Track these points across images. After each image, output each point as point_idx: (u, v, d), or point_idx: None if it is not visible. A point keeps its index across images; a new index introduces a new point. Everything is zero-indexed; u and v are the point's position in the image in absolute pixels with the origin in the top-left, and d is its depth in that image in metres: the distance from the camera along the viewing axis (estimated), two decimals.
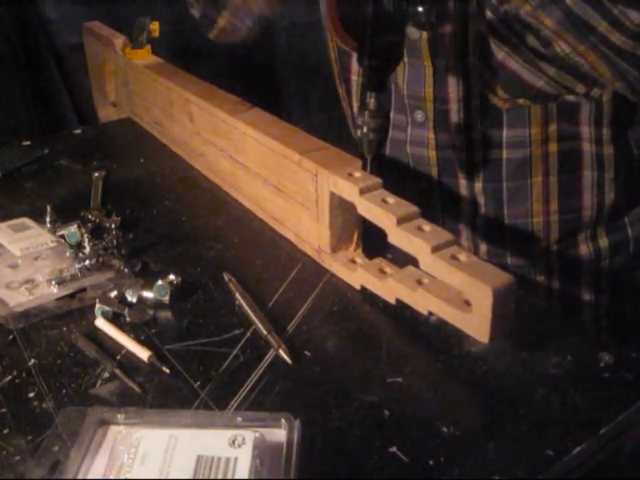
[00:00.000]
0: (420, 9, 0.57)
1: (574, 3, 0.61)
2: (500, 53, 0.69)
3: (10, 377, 0.55)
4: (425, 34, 0.71)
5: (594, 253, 0.81)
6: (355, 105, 0.87)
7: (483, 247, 0.82)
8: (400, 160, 0.82)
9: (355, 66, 0.84)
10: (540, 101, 0.72)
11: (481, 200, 0.79)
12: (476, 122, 0.74)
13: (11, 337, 0.59)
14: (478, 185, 0.78)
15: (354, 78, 0.85)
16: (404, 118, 0.79)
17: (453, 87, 0.73)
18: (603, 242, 0.81)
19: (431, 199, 0.81)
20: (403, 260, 0.60)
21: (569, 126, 0.74)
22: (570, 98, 0.72)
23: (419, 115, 0.77)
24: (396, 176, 0.82)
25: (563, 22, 0.62)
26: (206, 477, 0.43)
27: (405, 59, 0.74)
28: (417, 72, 0.74)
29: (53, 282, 0.64)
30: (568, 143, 0.75)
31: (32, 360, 0.56)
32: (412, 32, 0.71)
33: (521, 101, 0.72)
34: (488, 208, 0.79)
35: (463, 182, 0.79)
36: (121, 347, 0.57)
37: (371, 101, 0.63)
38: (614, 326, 0.84)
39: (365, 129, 0.63)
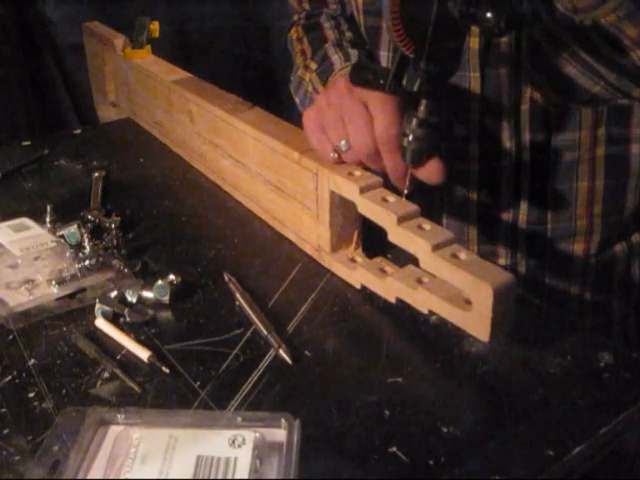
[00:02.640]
0: (489, 15, 0.52)
1: None
2: (557, 58, 0.67)
3: (10, 377, 0.55)
4: (474, 44, 0.70)
5: (627, 250, 0.82)
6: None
7: (522, 257, 0.81)
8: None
9: (385, 42, 0.80)
10: (591, 105, 0.71)
11: (524, 204, 0.78)
12: (525, 126, 0.73)
13: (11, 337, 0.59)
14: (523, 188, 0.77)
15: (383, 54, 0.82)
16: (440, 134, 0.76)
17: (505, 95, 0.72)
18: (635, 238, 0.82)
19: (466, 209, 0.80)
20: (403, 259, 0.60)
21: (619, 129, 0.74)
22: (622, 101, 0.71)
23: (460, 129, 0.75)
24: (427, 193, 0.81)
25: None
26: (206, 477, 0.43)
27: None
28: (459, 85, 0.73)
29: (53, 282, 0.64)
30: (617, 147, 0.75)
31: (32, 360, 0.56)
32: None
33: (572, 105, 0.71)
34: (531, 212, 0.78)
35: (505, 187, 0.77)
36: (121, 347, 0.57)
37: (421, 109, 0.59)
38: None
39: (411, 137, 0.59)
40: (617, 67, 0.65)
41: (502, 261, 0.81)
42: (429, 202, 0.81)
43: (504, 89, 0.72)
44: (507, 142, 0.75)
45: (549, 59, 0.68)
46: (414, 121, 0.59)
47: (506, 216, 0.79)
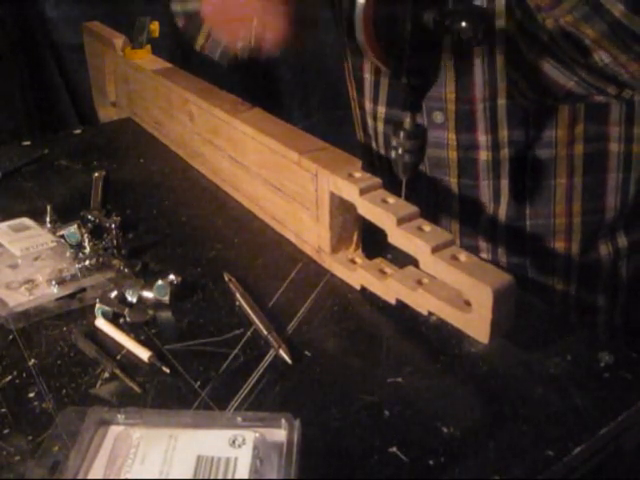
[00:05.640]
0: (464, 24, 0.52)
1: (622, 14, 0.59)
2: (530, 53, 0.67)
3: (10, 377, 0.55)
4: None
5: (613, 253, 0.81)
6: (367, 105, 0.86)
7: (503, 254, 0.81)
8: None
9: (368, 64, 0.82)
10: (568, 102, 0.71)
11: (503, 200, 0.78)
12: (502, 122, 0.74)
13: (11, 337, 0.59)
14: (502, 184, 0.77)
15: (367, 77, 0.83)
16: (420, 120, 0.78)
17: (479, 87, 0.72)
18: (622, 241, 0.81)
19: (448, 202, 0.81)
20: (403, 260, 0.60)
21: (597, 126, 0.73)
22: (600, 99, 0.70)
23: (438, 116, 0.76)
24: (411, 181, 0.82)
25: (607, 33, 0.60)
26: (206, 477, 0.43)
27: None
28: None
29: (53, 282, 0.64)
30: (594, 145, 0.74)
31: (32, 360, 0.56)
32: None
33: (549, 101, 0.71)
34: (510, 208, 0.78)
35: (484, 182, 0.78)
36: (121, 347, 0.57)
37: (407, 121, 0.60)
38: (628, 326, 0.84)
39: (400, 150, 0.61)
40: (585, 64, 0.65)
41: (483, 255, 0.81)
42: (416, 195, 0.82)
43: (477, 80, 0.72)
44: (482, 135, 0.75)
45: (523, 54, 0.68)
46: (401, 134, 0.60)
47: (486, 209, 0.80)
